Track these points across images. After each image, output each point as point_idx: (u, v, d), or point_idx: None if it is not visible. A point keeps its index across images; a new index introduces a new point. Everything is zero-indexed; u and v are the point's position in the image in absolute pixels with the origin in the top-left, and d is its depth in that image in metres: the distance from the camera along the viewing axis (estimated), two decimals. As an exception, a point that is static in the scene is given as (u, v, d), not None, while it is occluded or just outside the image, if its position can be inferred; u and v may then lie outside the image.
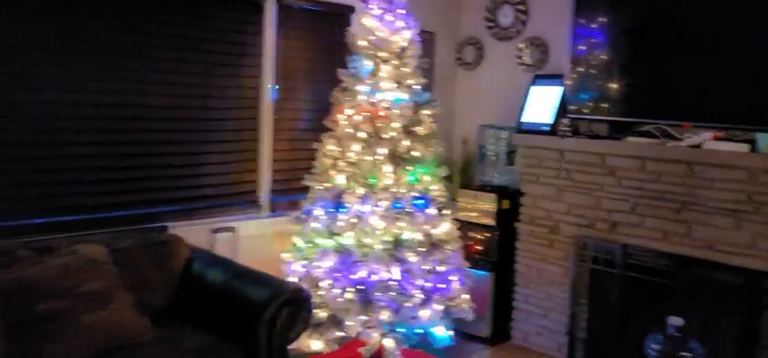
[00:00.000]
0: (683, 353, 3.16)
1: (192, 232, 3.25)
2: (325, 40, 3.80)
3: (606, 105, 3.57)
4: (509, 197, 4.01)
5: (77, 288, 2.42)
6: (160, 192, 3.23)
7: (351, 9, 3.85)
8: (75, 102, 2.90)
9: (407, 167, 3.19)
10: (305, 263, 3.25)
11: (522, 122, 3.93)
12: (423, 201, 3.22)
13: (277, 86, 3.64)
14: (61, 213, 2.91)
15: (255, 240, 3.52)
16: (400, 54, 3.21)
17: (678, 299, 3.34)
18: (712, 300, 3.28)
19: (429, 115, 3.28)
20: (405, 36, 3.22)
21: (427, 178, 3.26)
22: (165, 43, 3.17)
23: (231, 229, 3.40)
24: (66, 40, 2.85)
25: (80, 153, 2.95)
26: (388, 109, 3.18)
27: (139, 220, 3.14)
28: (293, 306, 2.64)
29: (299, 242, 3.31)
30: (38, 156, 2.82)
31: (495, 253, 4.02)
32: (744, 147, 3.07)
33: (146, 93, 3.13)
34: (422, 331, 3.21)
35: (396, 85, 3.19)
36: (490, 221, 3.99)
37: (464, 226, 4.10)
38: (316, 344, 3.19)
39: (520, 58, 4.22)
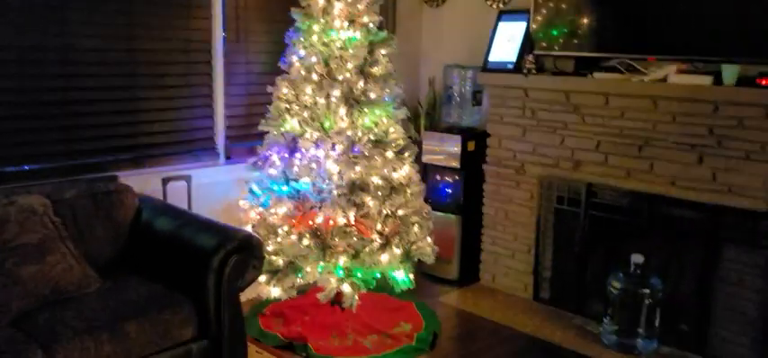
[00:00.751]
0: (644, 290, 3.16)
1: (145, 181, 3.17)
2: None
3: (571, 40, 3.46)
4: (475, 138, 3.94)
5: (13, 240, 2.35)
6: (109, 141, 3.13)
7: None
8: (15, 44, 2.77)
9: (363, 109, 3.09)
10: (261, 210, 3.18)
11: (488, 61, 3.82)
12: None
13: (229, 27, 3.49)
14: (0, 164, 2.80)
15: (211, 188, 3.44)
16: (353, -10, 3.07)
17: (641, 236, 3.32)
18: (674, 237, 3.26)
19: (385, 55, 3.17)
20: (358, -29, 3.08)
21: (385, 120, 3.17)
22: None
23: (186, 178, 3.31)
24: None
25: (22, 100, 2.83)
26: (341, 49, 3.06)
27: (89, 170, 3.05)
28: (242, 253, 2.58)
29: (256, 189, 3.24)
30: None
31: (462, 195, 3.97)
32: (708, 80, 2.99)
33: (90, 35, 2.99)
34: (381, 275, 3.17)
35: (349, 23, 3.06)
36: (456, 164, 3.92)
37: (430, 169, 4.05)
38: (274, 291, 3.16)
39: (486, -7, 4.08)
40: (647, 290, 3.14)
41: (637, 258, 3.16)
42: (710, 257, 3.09)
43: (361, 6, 3.08)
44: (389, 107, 3.16)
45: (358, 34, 3.07)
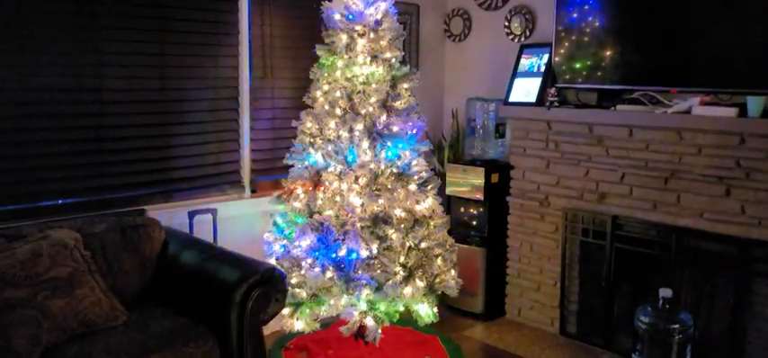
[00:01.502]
0: (673, 326, 3.09)
1: (172, 215, 3.23)
2: (305, 16, 3.73)
3: (594, 72, 3.46)
4: (499, 170, 3.94)
5: (44, 274, 2.41)
6: (138, 176, 3.21)
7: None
8: (47, 85, 2.87)
9: (386, 143, 3.12)
10: (285, 242, 3.22)
11: (511, 94, 3.84)
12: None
13: (256, 65, 3.58)
14: (36, 199, 2.89)
15: (237, 221, 3.49)
16: (375, 27, 3.13)
17: (668, 269, 3.26)
18: (703, 270, 3.19)
19: (407, 88, 3.21)
20: (380, 8, 3.14)
21: (408, 153, 3.19)
22: (135, 23, 3.12)
23: (212, 211, 3.37)
24: (30, 24, 2.81)
25: (55, 138, 2.92)
26: (364, 83, 3.11)
27: (118, 204, 3.12)
28: (265, 286, 2.60)
29: (280, 222, 3.28)
30: (8, 142, 2.80)
31: (486, 228, 3.96)
32: (733, 112, 2.95)
33: (123, 76, 3.09)
34: (404, 308, 3.16)
35: (371, 59, 3.11)
36: (480, 196, 3.92)
37: (454, 201, 4.05)
38: (298, 323, 3.17)
39: (507, 27, 4.11)
40: (677, 326, 3.07)
41: (665, 292, 3.10)
42: (741, 292, 3.02)
43: (383, 42, 3.13)
44: (412, 140, 3.18)
45: (380, 69, 3.11)
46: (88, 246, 2.68)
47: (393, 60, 3.19)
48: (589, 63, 3.46)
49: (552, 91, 3.58)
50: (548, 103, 3.58)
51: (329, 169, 3.15)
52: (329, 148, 3.16)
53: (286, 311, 3.10)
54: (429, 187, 3.26)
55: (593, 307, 3.60)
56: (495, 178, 3.92)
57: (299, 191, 3.20)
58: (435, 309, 3.24)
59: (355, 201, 3.07)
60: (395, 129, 3.13)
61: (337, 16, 3.14)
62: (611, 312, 3.49)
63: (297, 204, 3.21)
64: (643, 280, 3.39)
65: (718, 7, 3.02)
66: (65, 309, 2.40)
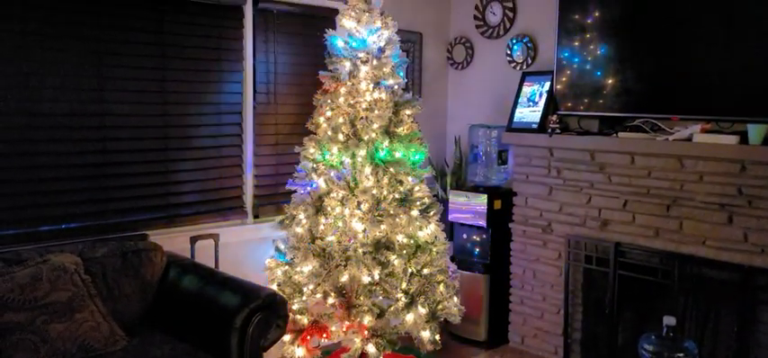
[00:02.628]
0: (677, 354, 3.05)
1: (173, 240, 3.23)
2: (308, 44, 3.77)
3: (594, 100, 3.48)
4: (501, 197, 3.94)
5: (44, 298, 2.41)
6: (140, 201, 3.21)
7: (335, 11, 3.81)
8: (50, 111, 2.89)
9: (389, 169, 3.13)
10: (287, 268, 3.21)
11: (513, 121, 3.86)
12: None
13: (259, 91, 3.61)
14: (38, 223, 2.89)
15: (239, 247, 3.49)
16: (378, 54, 3.16)
17: (672, 296, 3.24)
18: (706, 298, 3.17)
19: (410, 115, 3.22)
20: (383, 36, 3.17)
21: (410, 179, 3.20)
22: (140, 50, 3.15)
23: (214, 236, 3.37)
24: (34, 50, 2.85)
25: (58, 163, 2.94)
26: (367, 110, 3.13)
27: (120, 229, 3.12)
28: (266, 312, 2.59)
29: (282, 247, 3.27)
30: (11, 166, 2.81)
31: (489, 254, 3.94)
32: (733, 139, 2.96)
33: (126, 102, 3.12)
34: (406, 335, 3.14)
35: (374, 86, 3.13)
36: (482, 222, 3.91)
37: (457, 227, 4.05)
38: (299, 351, 3.15)
39: (509, 55, 4.14)
40: (681, 354, 3.03)
41: (668, 320, 3.06)
42: (746, 320, 2.99)
43: (386, 69, 3.15)
44: (415, 166, 3.19)
45: (383, 96, 3.13)
46: (89, 270, 2.68)
47: (396, 87, 3.21)
48: (590, 91, 3.49)
49: (554, 118, 3.59)
50: (550, 130, 3.59)
51: (332, 195, 3.15)
52: (332, 174, 3.17)
53: (287, 338, 3.09)
54: (431, 213, 3.25)
55: (597, 335, 3.56)
56: (497, 205, 3.91)
57: (302, 216, 3.20)
58: (438, 337, 3.22)
59: (357, 226, 3.06)
60: (398, 155, 3.14)
61: (341, 43, 3.18)
62: (614, 340, 3.45)
63: (299, 230, 3.21)
64: (647, 307, 3.36)
65: (717, 36, 3.05)
66: (64, 334, 2.39)
